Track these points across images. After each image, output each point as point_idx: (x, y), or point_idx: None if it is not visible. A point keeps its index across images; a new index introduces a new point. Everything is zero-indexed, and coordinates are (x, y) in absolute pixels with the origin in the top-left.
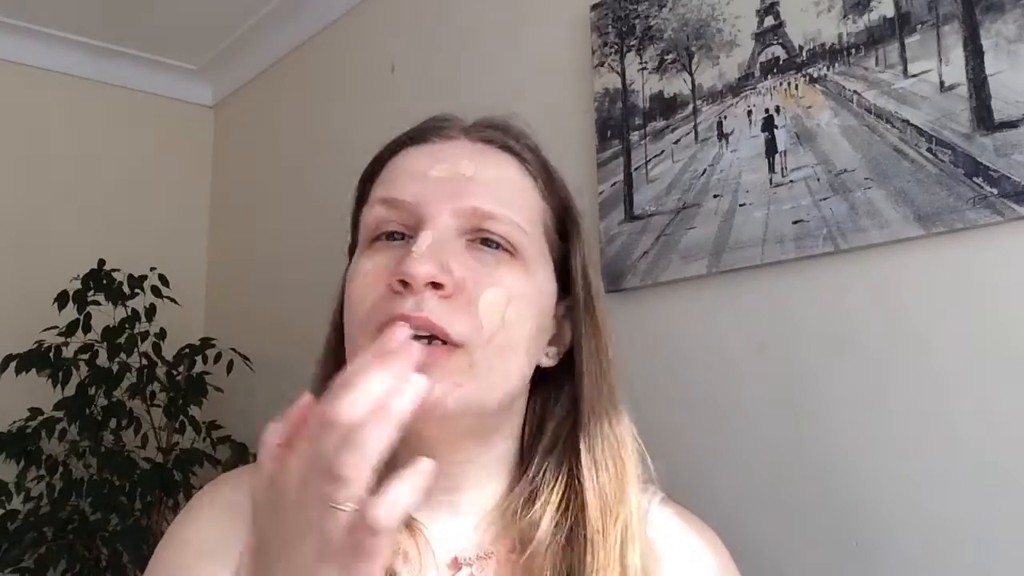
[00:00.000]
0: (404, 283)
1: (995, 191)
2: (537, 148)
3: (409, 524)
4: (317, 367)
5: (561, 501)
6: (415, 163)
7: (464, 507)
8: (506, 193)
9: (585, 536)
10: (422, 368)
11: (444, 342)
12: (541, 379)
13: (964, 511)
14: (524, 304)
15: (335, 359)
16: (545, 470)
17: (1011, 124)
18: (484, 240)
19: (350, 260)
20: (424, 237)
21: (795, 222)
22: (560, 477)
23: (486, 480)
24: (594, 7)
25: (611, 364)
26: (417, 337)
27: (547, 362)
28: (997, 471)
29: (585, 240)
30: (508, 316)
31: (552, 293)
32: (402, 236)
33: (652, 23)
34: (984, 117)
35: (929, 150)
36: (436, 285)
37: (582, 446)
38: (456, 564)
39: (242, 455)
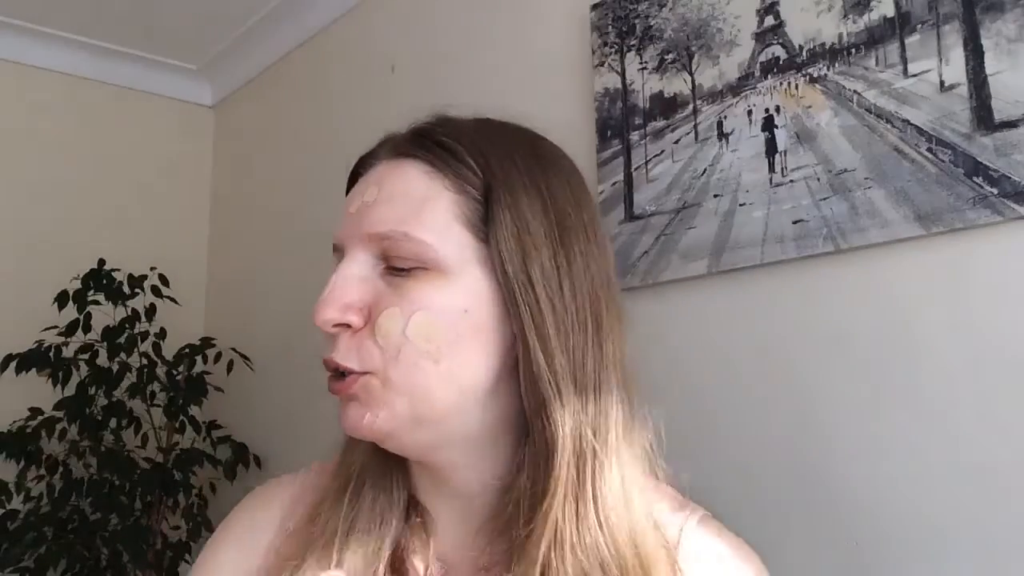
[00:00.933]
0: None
1: (995, 191)
2: (453, 137)
3: (411, 519)
4: None
5: (561, 504)
6: (348, 202)
7: (473, 511)
8: (403, 209)
9: (587, 542)
10: (350, 399)
11: (356, 373)
12: None
13: (964, 511)
14: (432, 315)
15: None
16: (541, 476)
17: (1011, 124)
18: (393, 268)
19: None
20: (331, 281)
21: (795, 222)
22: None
23: (488, 482)
24: (594, 7)
25: (572, 335)
26: (338, 374)
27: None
28: (997, 471)
29: (516, 213)
30: (409, 331)
31: (484, 289)
32: None
33: (652, 23)
34: (984, 117)
35: (929, 150)
36: (346, 325)
37: (538, 437)
38: (464, 569)
39: (242, 455)
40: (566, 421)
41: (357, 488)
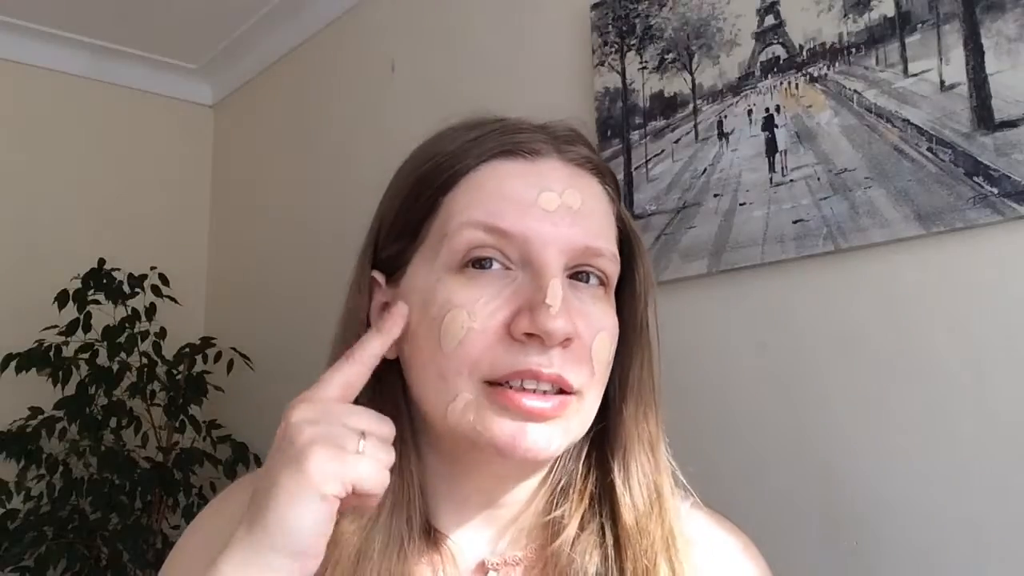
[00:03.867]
0: (530, 335)
1: (995, 190)
2: (611, 169)
3: (431, 534)
4: (345, 333)
5: (588, 499)
6: (516, 187)
7: (500, 514)
8: (603, 225)
9: (619, 536)
10: (546, 420)
11: (567, 392)
12: None
13: (964, 511)
14: (611, 338)
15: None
16: (571, 470)
17: (1011, 123)
18: (578, 274)
19: (369, 261)
20: (554, 288)
21: (795, 221)
22: (585, 475)
23: (522, 490)
24: (594, 6)
25: (657, 384)
26: (539, 391)
27: None
28: (997, 471)
29: (646, 264)
30: (608, 356)
31: (615, 326)
32: (493, 263)
33: (652, 22)
34: (984, 116)
35: (929, 149)
36: (569, 340)
37: (616, 469)
38: (483, 569)
39: (242, 454)
40: (660, 443)
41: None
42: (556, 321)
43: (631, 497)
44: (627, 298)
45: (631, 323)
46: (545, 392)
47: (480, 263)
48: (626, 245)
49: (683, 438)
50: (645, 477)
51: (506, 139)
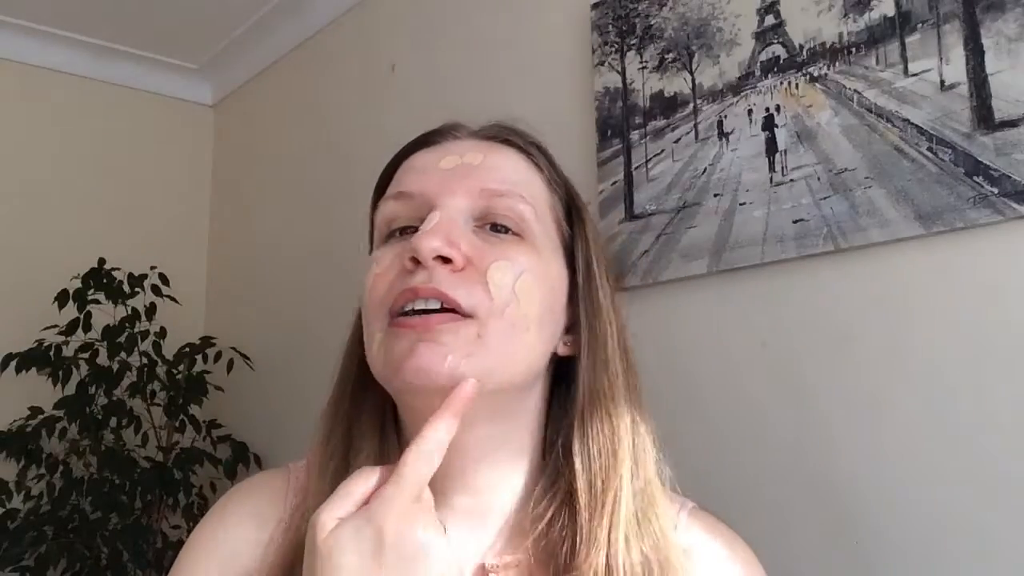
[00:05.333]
0: (415, 260)
1: (996, 190)
2: (542, 145)
3: None
4: (344, 359)
5: (557, 495)
6: (425, 160)
7: (487, 511)
8: (514, 176)
9: (576, 525)
10: (433, 334)
11: (455, 312)
12: (562, 374)
13: (964, 510)
14: (533, 279)
15: (360, 352)
16: (557, 465)
17: (1012, 123)
18: (493, 226)
19: None
20: (432, 217)
21: (795, 221)
22: (561, 471)
23: (506, 479)
24: (594, 6)
25: (619, 352)
26: (426, 311)
27: (563, 350)
28: (997, 471)
29: (592, 231)
30: (518, 289)
31: (563, 278)
32: (415, 230)
33: (652, 22)
34: (985, 116)
35: (930, 149)
36: (445, 260)
37: (575, 434)
38: (483, 571)
39: (242, 454)
40: (623, 415)
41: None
42: (423, 238)
43: (586, 477)
44: (578, 263)
45: (582, 285)
46: (424, 311)
47: (403, 232)
48: (573, 213)
49: (682, 437)
50: (600, 451)
51: (427, 132)
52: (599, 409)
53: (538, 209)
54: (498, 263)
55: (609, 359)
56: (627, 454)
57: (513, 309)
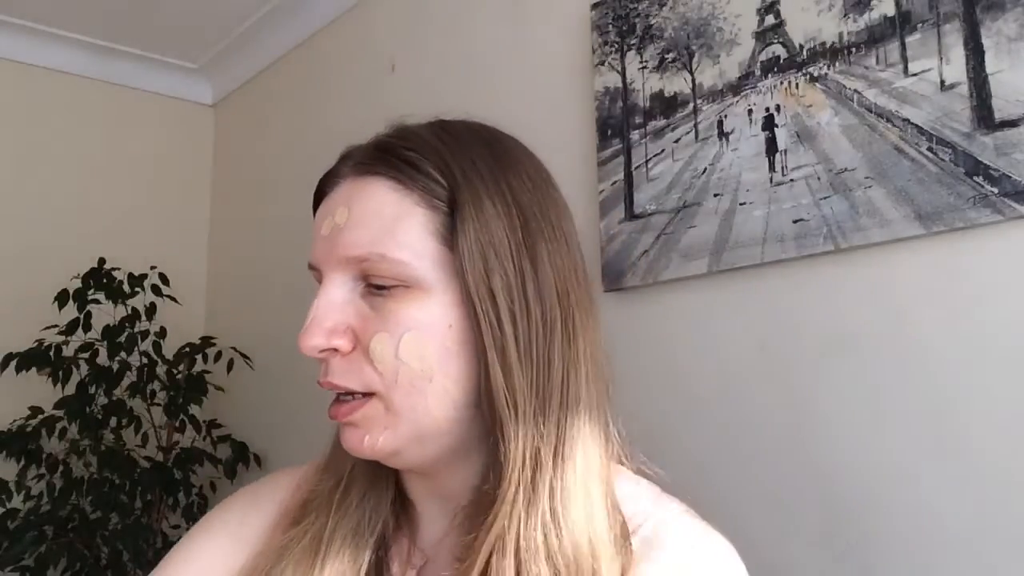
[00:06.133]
0: None
1: (996, 190)
2: (421, 145)
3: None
4: None
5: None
6: (318, 219)
7: (447, 508)
8: (377, 230)
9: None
10: (348, 420)
11: (359, 395)
12: None
13: (963, 511)
14: (417, 335)
15: None
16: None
17: (1012, 123)
18: (376, 286)
19: None
20: (312, 307)
21: (795, 221)
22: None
23: (467, 487)
24: (594, 6)
25: (524, 364)
26: (340, 397)
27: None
28: (997, 471)
29: (478, 225)
30: (402, 354)
31: (465, 302)
32: None
33: (652, 22)
34: (985, 116)
35: (930, 149)
36: (334, 349)
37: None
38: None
39: (242, 454)
40: (519, 437)
41: (347, 487)
42: (303, 338)
43: (506, 475)
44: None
45: (469, 300)
46: (341, 399)
47: None
48: (455, 213)
49: (682, 436)
50: (507, 454)
51: (322, 182)
52: (506, 412)
53: (413, 246)
54: (377, 336)
55: (513, 366)
56: (521, 460)
57: (405, 372)
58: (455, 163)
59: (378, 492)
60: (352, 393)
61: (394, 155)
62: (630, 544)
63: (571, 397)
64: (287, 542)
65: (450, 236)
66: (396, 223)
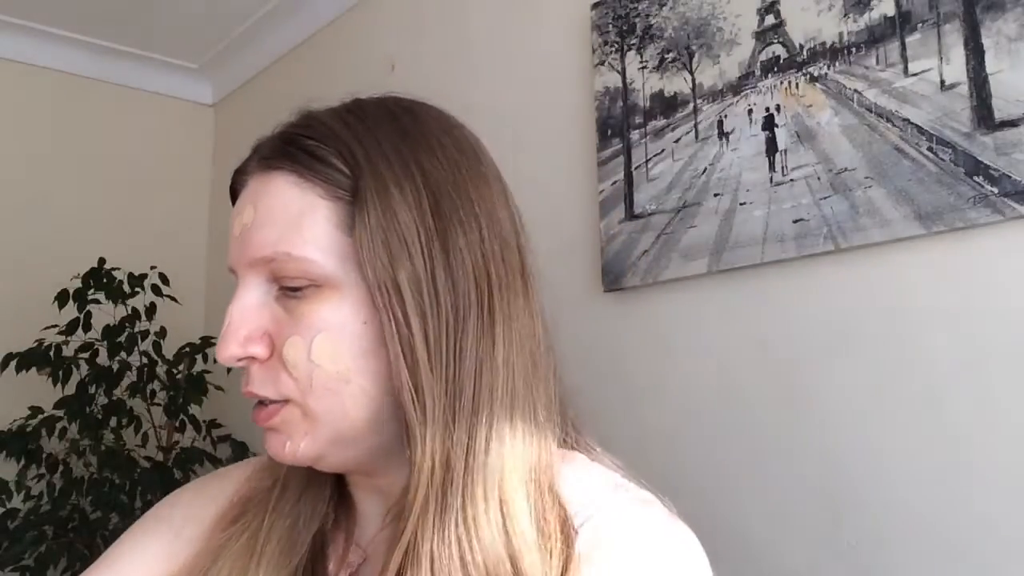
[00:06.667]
0: None
1: (996, 190)
2: (324, 133)
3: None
4: None
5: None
6: (231, 223)
7: (386, 504)
8: (282, 228)
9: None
10: (269, 425)
11: (276, 402)
12: None
13: (963, 510)
14: (328, 336)
15: None
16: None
17: (1012, 123)
18: (285, 286)
19: None
20: (228, 314)
21: (795, 221)
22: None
23: (401, 485)
24: (595, 6)
25: (434, 360)
26: (260, 403)
27: None
28: (996, 471)
29: (379, 214)
30: (315, 356)
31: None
32: None
33: (652, 22)
34: (985, 116)
35: (930, 149)
36: (251, 357)
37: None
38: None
39: (242, 454)
40: (429, 440)
41: (285, 484)
42: (220, 349)
43: (413, 482)
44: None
45: (373, 295)
46: (263, 403)
47: None
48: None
49: (682, 436)
50: (415, 454)
51: (233, 180)
52: (414, 413)
53: (319, 242)
54: (290, 340)
55: (420, 362)
56: (430, 466)
57: (320, 375)
58: (359, 148)
59: (316, 489)
60: (271, 401)
61: (296, 146)
62: (571, 540)
63: (487, 391)
64: (224, 541)
65: (355, 227)
66: (301, 219)
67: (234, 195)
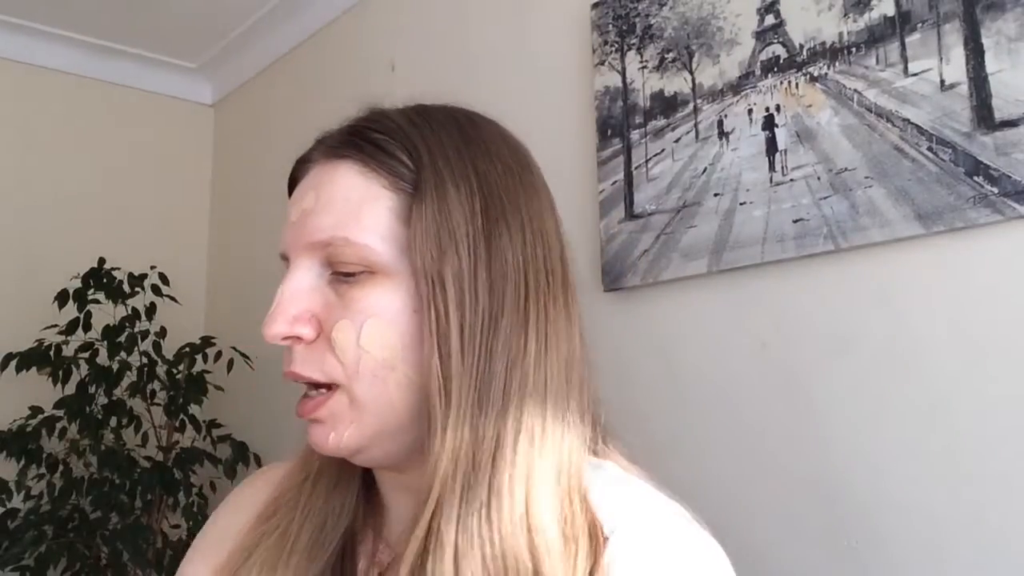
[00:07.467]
0: None
1: (995, 190)
2: (390, 128)
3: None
4: None
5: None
6: (289, 209)
7: (416, 503)
8: (342, 214)
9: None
10: (313, 417)
11: (324, 388)
12: None
13: (963, 510)
14: (378, 323)
15: None
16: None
17: (1011, 123)
18: (342, 273)
19: None
20: (278, 294)
21: (795, 221)
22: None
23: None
24: (595, 6)
25: (465, 354)
26: (307, 393)
27: None
28: (996, 470)
29: (435, 211)
30: (363, 342)
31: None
32: None
33: (652, 22)
34: (985, 116)
35: (930, 149)
36: (297, 337)
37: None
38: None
39: (242, 453)
40: (453, 431)
41: (315, 483)
42: (267, 326)
43: (429, 472)
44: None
45: (419, 285)
46: (308, 395)
47: None
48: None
49: (682, 437)
50: (442, 446)
51: (294, 169)
52: (439, 403)
53: (378, 230)
54: (339, 324)
55: (453, 354)
56: (453, 458)
57: (367, 361)
58: (423, 145)
59: (344, 487)
60: (317, 385)
61: (363, 138)
62: (600, 546)
63: (517, 390)
64: (257, 539)
65: (411, 218)
66: (361, 207)
67: (292, 185)
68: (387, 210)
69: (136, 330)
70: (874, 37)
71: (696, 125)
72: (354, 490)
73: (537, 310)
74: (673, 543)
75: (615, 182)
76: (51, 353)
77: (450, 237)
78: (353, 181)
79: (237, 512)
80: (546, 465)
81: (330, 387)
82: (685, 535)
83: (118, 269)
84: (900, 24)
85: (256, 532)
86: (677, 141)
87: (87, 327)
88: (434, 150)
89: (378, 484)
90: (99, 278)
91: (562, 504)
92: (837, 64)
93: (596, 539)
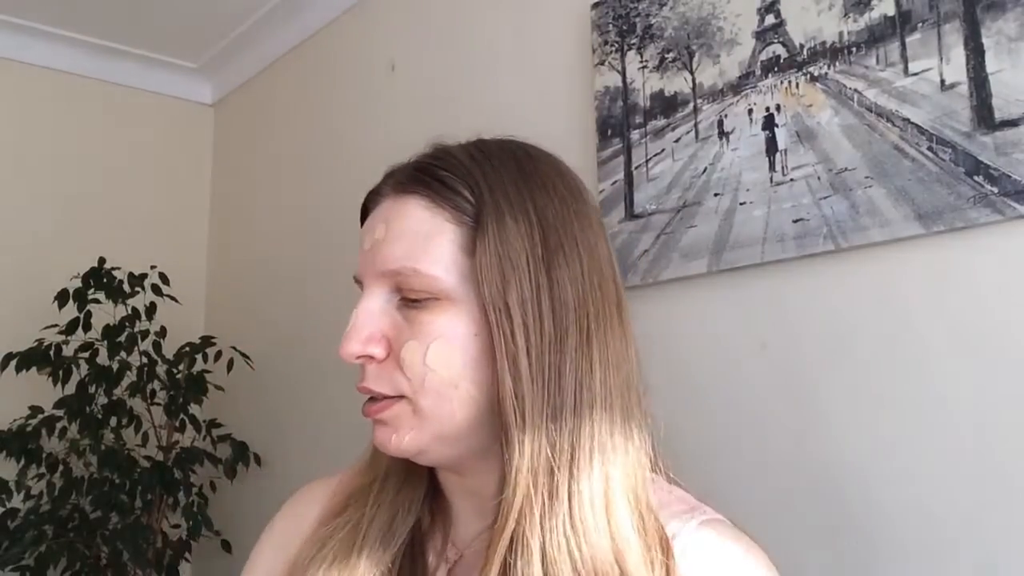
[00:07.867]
0: None
1: (996, 190)
2: (454, 165)
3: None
4: None
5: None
6: (361, 237)
7: (481, 507)
8: (411, 246)
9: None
10: (379, 419)
11: (388, 397)
12: None
13: (963, 510)
14: (443, 344)
15: None
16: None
17: (1012, 123)
18: (407, 297)
19: None
20: (353, 316)
21: (795, 221)
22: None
23: (496, 485)
24: (595, 5)
25: (534, 376)
26: (372, 399)
27: None
28: (996, 470)
29: (496, 240)
30: (430, 361)
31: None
32: None
33: (653, 21)
34: (985, 116)
35: (930, 149)
36: (370, 356)
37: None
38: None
39: (242, 453)
40: (528, 444)
41: (383, 483)
42: (343, 346)
43: (510, 481)
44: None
45: (485, 312)
46: (374, 399)
47: None
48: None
49: (683, 437)
50: (516, 458)
51: (366, 200)
52: (513, 420)
53: (443, 261)
54: (408, 345)
55: (523, 376)
56: (531, 468)
57: (432, 378)
58: (484, 181)
59: (412, 487)
60: (385, 397)
61: (428, 175)
62: (672, 554)
63: (587, 407)
64: (329, 532)
65: (475, 250)
66: (428, 239)
67: (364, 213)
68: (451, 242)
69: (136, 330)
70: (874, 37)
71: (696, 125)
72: (421, 489)
73: (597, 333)
74: (725, 553)
75: (615, 182)
76: (51, 353)
77: (512, 268)
78: (420, 215)
79: (296, 517)
80: (620, 476)
81: (391, 399)
82: (735, 545)
83: (118, 269)
84: (900, 24)
85: (328, 526)
86: (677, 141)
87: (87, 327)
88: (494, 185)
89: (444, 487)
90: (99, 278)
91: (636, 513)
92: (837, 64)
93: (667, 548)
